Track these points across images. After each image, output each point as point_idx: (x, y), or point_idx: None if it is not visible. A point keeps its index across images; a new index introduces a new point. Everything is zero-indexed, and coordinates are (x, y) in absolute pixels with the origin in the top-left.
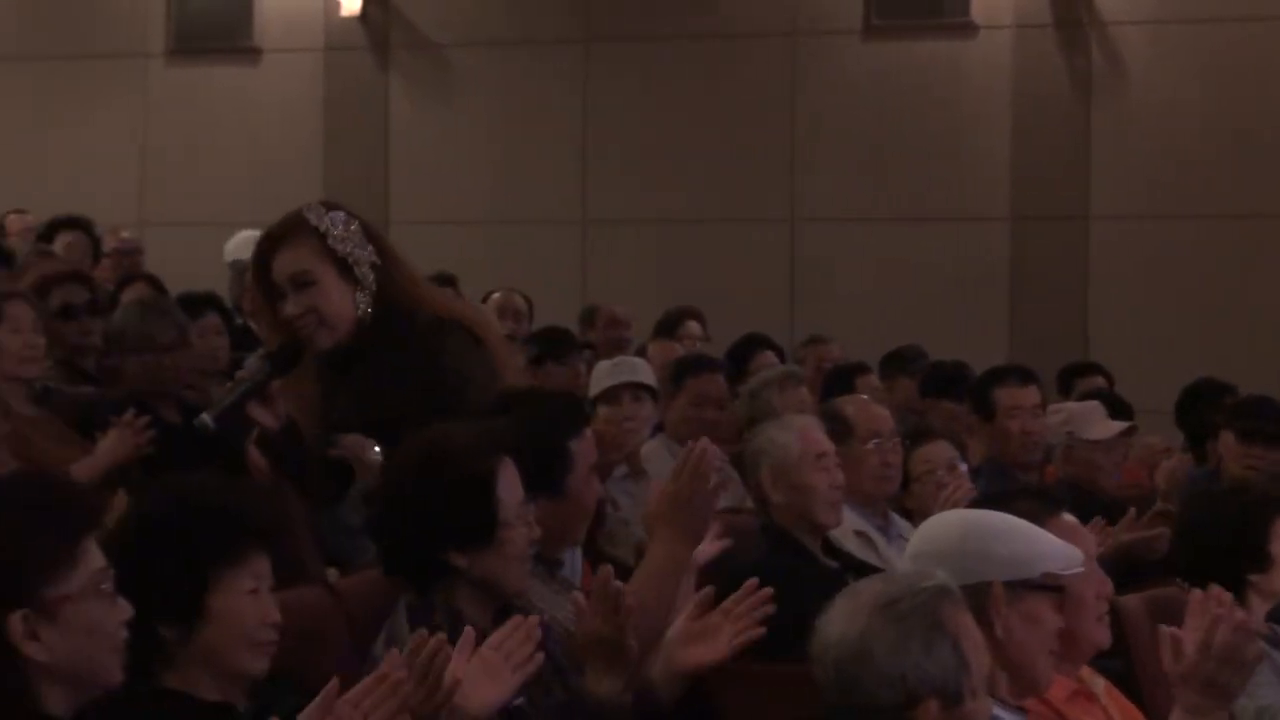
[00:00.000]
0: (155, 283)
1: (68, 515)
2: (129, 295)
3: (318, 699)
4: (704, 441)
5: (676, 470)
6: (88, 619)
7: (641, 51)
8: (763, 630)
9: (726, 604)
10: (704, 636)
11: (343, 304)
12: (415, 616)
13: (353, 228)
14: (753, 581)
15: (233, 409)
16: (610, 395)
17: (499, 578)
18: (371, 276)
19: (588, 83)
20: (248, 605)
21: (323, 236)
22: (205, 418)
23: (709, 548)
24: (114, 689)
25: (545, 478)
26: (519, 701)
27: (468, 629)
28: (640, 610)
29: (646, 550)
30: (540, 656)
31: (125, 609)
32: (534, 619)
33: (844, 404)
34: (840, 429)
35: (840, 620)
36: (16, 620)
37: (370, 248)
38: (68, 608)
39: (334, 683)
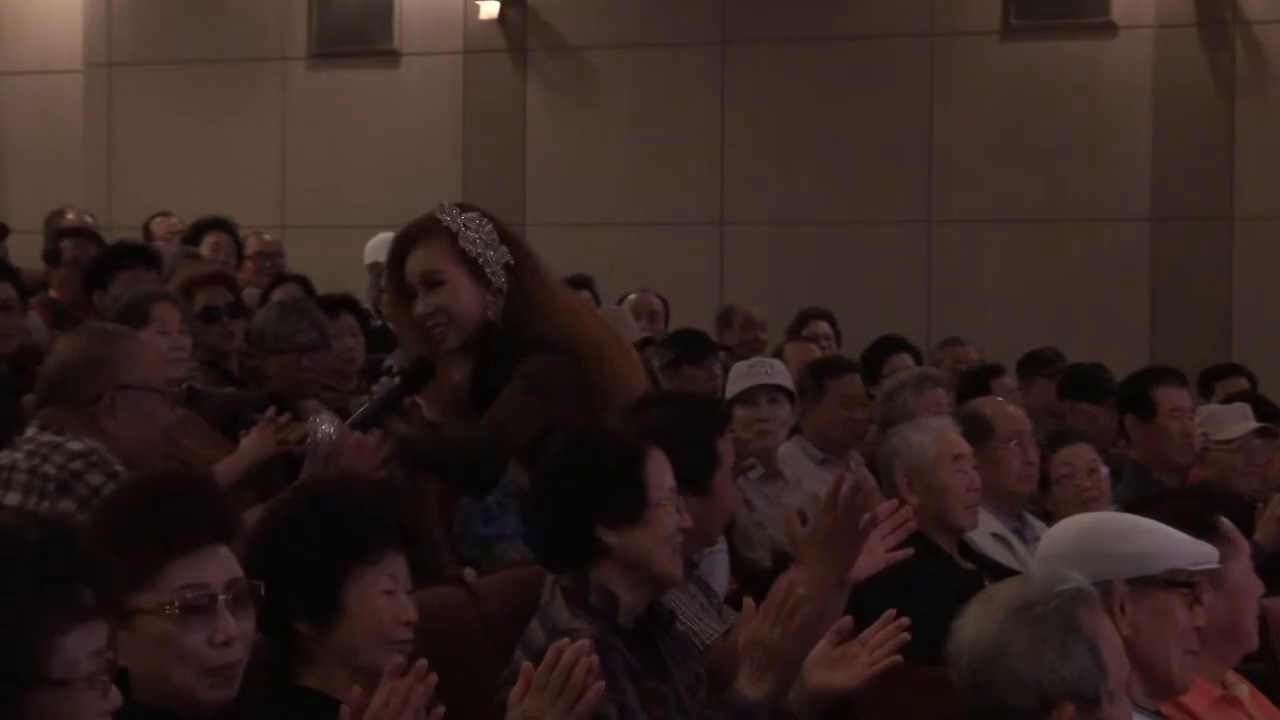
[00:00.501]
0: (305, 283)
1: (159, 531)
2: (278, 296)
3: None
4: (860, 474)
5: (829, 503)
6: (162, 635)
7: (777, 53)
8: (899, 659)
9: (865, 634)
10: (842, 662)
11: (471, 304)
12: (571, 598)
13: (486, 229)
14: (891, 612)
15: (365, 424)
16: (747, 397)
17: (648, 558)
18: (503, 278)
19: (724, 84)
20: (383, 603)
21: (454, 236)
22: (328, 429)
23: (882, 559)
24: (209, 709)
25: (693, 475)
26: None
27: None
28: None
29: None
30: (601, 685)
31: (228, 627)
32: (582, 643)
33: (982, 405)
34: (979, 430)
35: (975, 623)
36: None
37: (503, 249)
38: (142, 620)
39: (357, 689)
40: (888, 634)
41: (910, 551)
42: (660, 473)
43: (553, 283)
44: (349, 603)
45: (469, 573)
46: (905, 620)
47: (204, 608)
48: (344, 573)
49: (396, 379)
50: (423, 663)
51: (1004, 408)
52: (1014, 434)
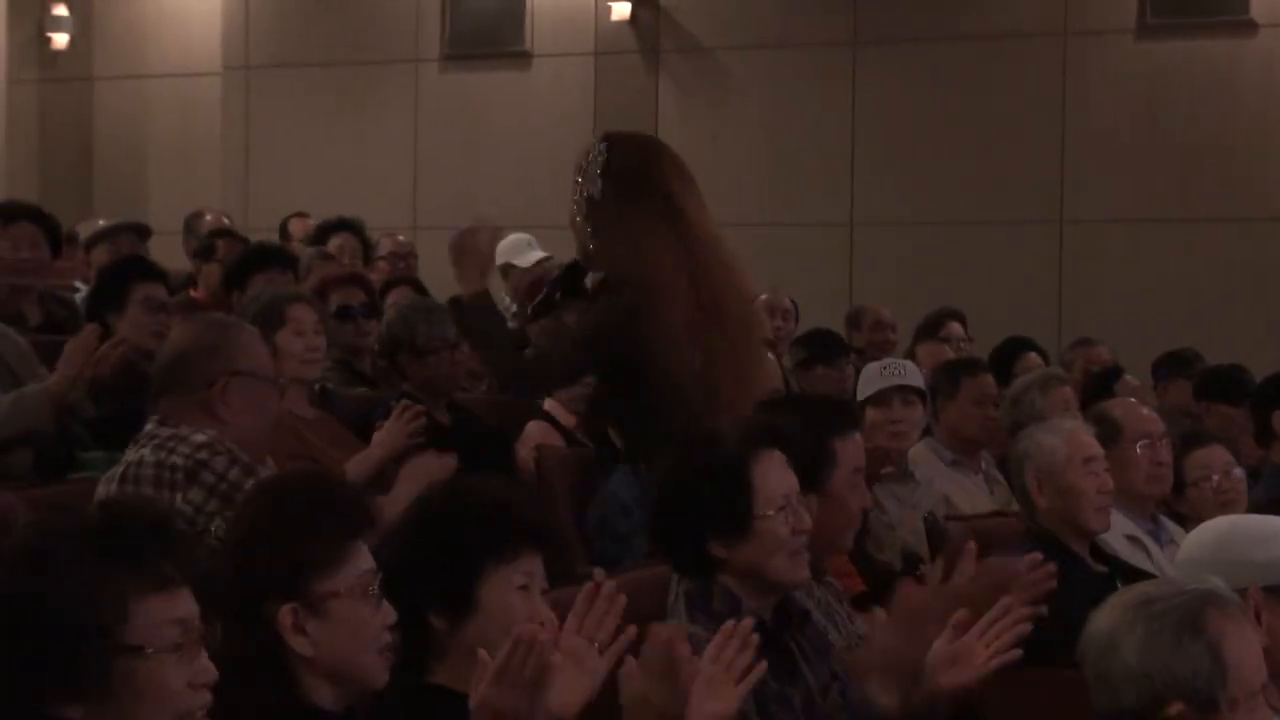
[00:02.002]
0: (418, 286)
1: (343, 515)
2: (393, 298)
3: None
4: (1036, 559)
5: (986, 567)
6: (353, 618)
7: (909, 53)
8: (1018, 653)
9: (981, 624)
10: (961, 658)
11: (580, 235)
12: (694, 604)
13: (595, 158)
14: (1005, 601)
15: (538, 313)
16: (880, 398)
17: (761, 569)
18: (583, 210)
19: (855, 85)
20: (517, 600)
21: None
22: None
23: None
24: (379, 689)
25: (807, 474)
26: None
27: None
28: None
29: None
30: (763, 665)
31: (389, 613)
32: (747, 623)
33: (1113, 406)
34: (1109, 431)
35: (1101, 619)
36: (286, 613)
37: (598, 181)
38: (335, 605)
39: (483, 654)
40: (1004, 625)
41: (1043, 609)
42: (771, 479)
43: (639, 222)
44: (484, 598)
45: (598, 573)
46: (1025, 611)
47: (375, 592)
48: (480, 570)
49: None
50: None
51: (1136, 409)
52: (1143, 435)
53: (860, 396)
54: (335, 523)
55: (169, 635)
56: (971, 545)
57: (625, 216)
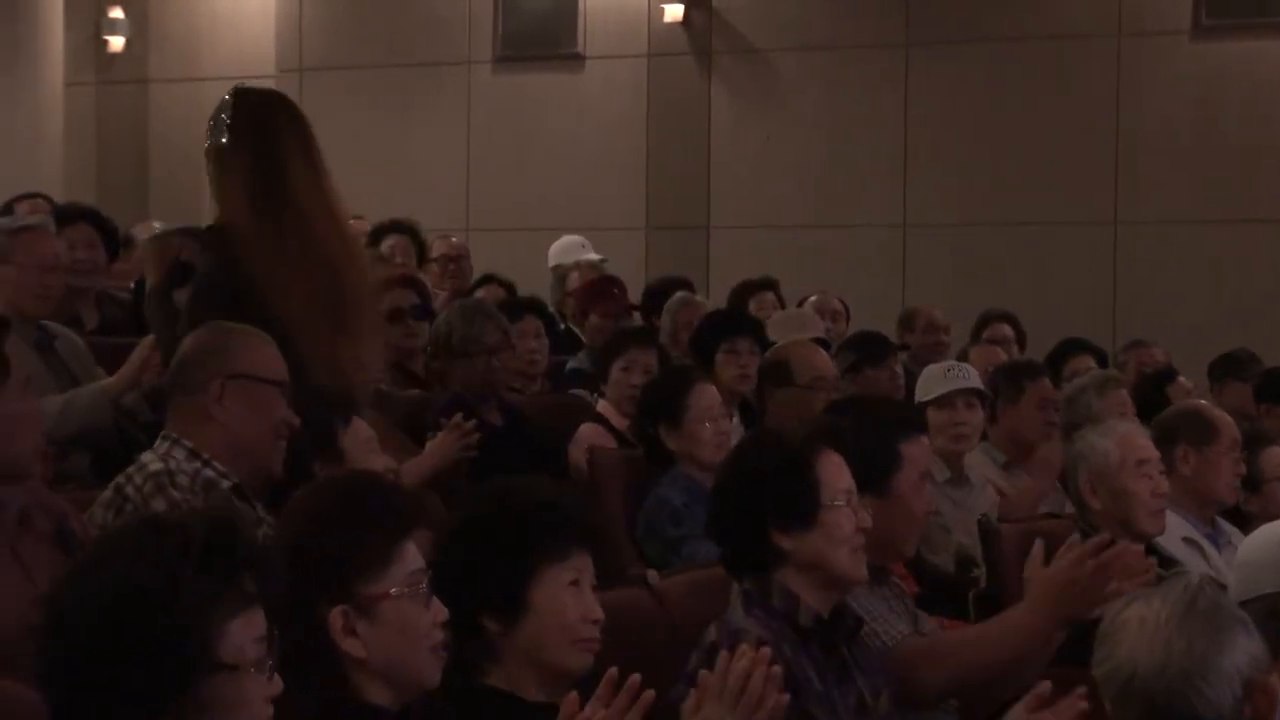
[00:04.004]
0: (508, 286)
1: (390, 516)
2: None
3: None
4: (1125, 546)
5: (1079, 557)
6: (403, 618)
7: (962, 54)
8: None
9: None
10: None
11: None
12: (751, 602)
13: (221, 111)
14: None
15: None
16: (944, 400)
17: (826, 560)
18: (211, 158)
19: (908, 86)
20: (569, 599)
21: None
22: None
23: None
24: (433, 688)
25: (871, 475)
26: None
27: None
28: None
29: (1014, 607)
30: (787, 699)
31: (440, 610)
32: (765, 652)
33: (1207, 407)
34: (1201, 432)
35: (1141, 650)
36: (337, 615)
37: (224, 135)
38: (385, 606)
39: (573, 696)
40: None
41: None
42: (834, 474)
43: (247, 173)
44: (536, 599)
45: (652, 574)
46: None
47: (424, 591)
48: (531, 570)
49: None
50: (636, 677)
51: (1226, 414)
52: (1234, 441)
53: (922, 398)
54: (383, 523)
55: (254, 652)
56: (1075, 536)
57: (238, 168)
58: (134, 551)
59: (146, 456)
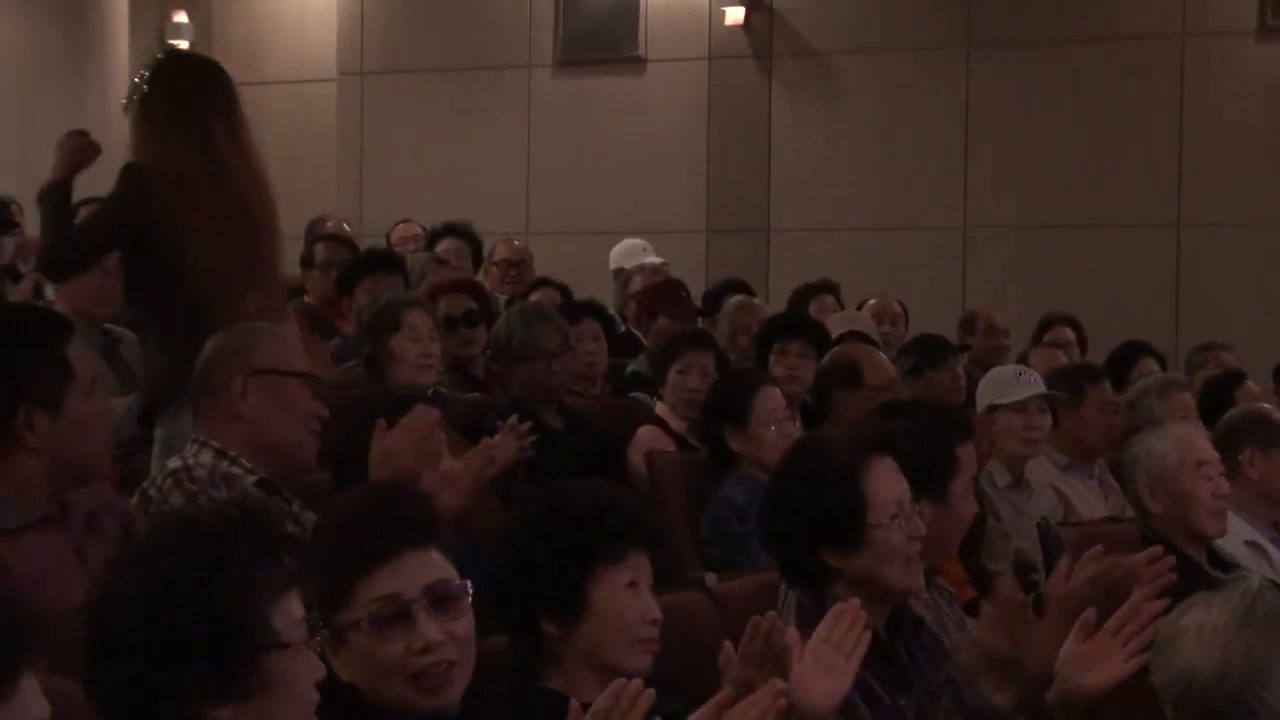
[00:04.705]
0: (563, 289)
1: (392, 526)
2: (536, 299)
3: (709, 705)
4: (1157, 551)
5: (1105, 567)
6: (369, 649)
7: (1023, 55)
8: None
9: (1112, 623)
10: (1097, 659)
11: (130, 131)
12: (804, 614)
13: (151, 66)
14: (1135, 599)
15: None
16: (1020, 405)
17: (876, 577)
18: (135, 109)
19: (969, 87)
20: (628, 600)
21: None
22: None
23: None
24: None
25: (930, 481)
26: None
27: (791, 630)
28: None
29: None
30: (869, 635)
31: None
32: (854, 603)
33: (1274, 410)
34: (1270, 435)
35: (1200, 656)
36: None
37: (150, 88)
38: (352, 636)
39: (728, 691)
40: (1137, 625)
41: (1165, 602)
42: (883, 486)
43: (173, 126)
44: (595, 600)
45: (711, 577)
46: (1156, 606)
47: (398, 617)
48: (589, 571)
49: None
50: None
51: None
52: None
53: (995, 400)
54: (339, 559)
55: (300, 632)
56: (1098, 548)
57: (163, 120)
58: (176, 543)
59: (170, 460)
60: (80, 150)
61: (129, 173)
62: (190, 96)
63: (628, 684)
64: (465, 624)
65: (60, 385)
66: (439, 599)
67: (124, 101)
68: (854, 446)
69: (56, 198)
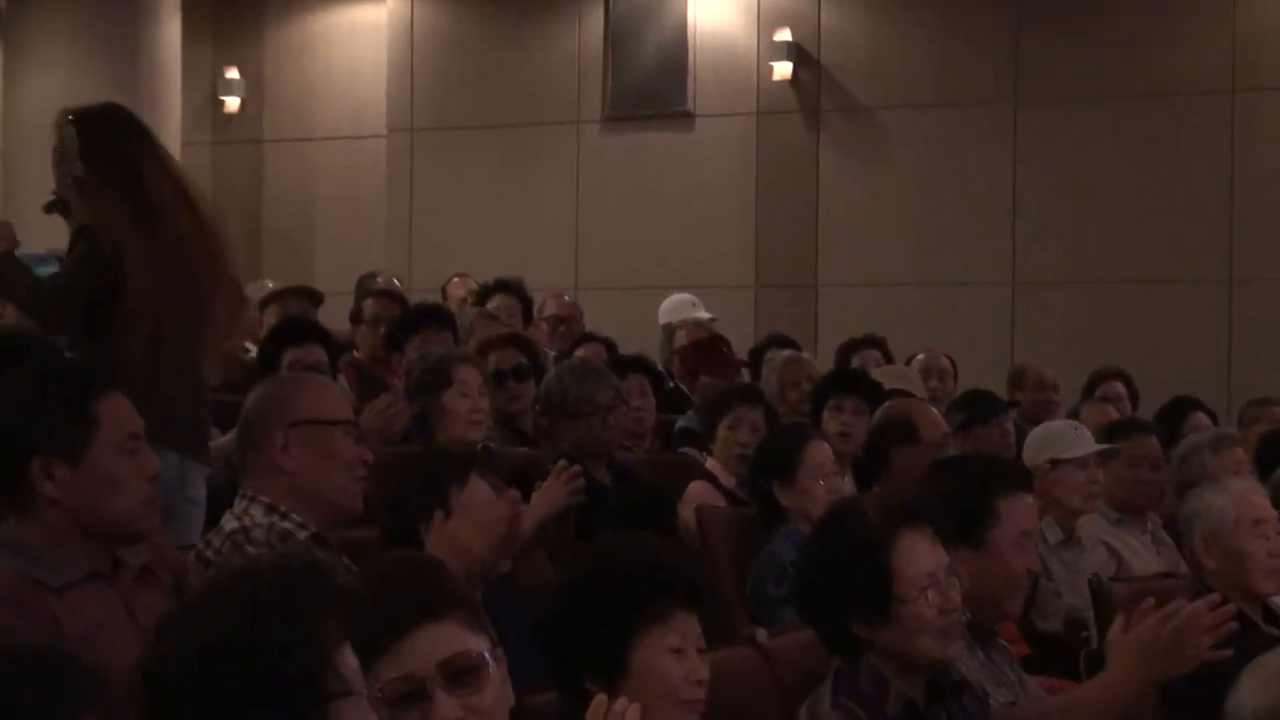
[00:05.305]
0: (609, 344)
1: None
2: (581, 353)
3: None
4: (1215, 599)
5: (1165, 615)
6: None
7: (1071, 110)
8: (1229, 653)
9: (1187, 614)
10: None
11: (75, 208)
12: (841, 682)
13: (68, 141)
14: (1212, 597)
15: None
16: (1083, 462)
17: (906, 650)
18: (74, 188)
19: (1016, 142)
20: (671, 663)
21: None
22: None
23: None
24: None
25: (965, 529)
26: None
27: None
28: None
29: (1105, 666)
30: None
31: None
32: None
33: None
34: None
35: (1254, 695)
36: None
37: (80, 164)
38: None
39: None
40: (1214, 620)
41: (1229, 653)
42: (913, 560)
43: (107, 188)
44: (637, 662)
45: (761, 633)
46: (1229, 610)
47: (414, 695)
48: (631, 634)
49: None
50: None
51: None
52: None
53: (1056, 455)
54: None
55: (361, 681)
56: (1150, 601)
57: (95, 188)
58: (238, 594)
59: (225, 518)
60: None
61: (83, 233)
62: (108, 145)
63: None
64: (489, 694)
65: (82, 436)
66: (456, 673)
67: (58, 173)
68: (883, 518)
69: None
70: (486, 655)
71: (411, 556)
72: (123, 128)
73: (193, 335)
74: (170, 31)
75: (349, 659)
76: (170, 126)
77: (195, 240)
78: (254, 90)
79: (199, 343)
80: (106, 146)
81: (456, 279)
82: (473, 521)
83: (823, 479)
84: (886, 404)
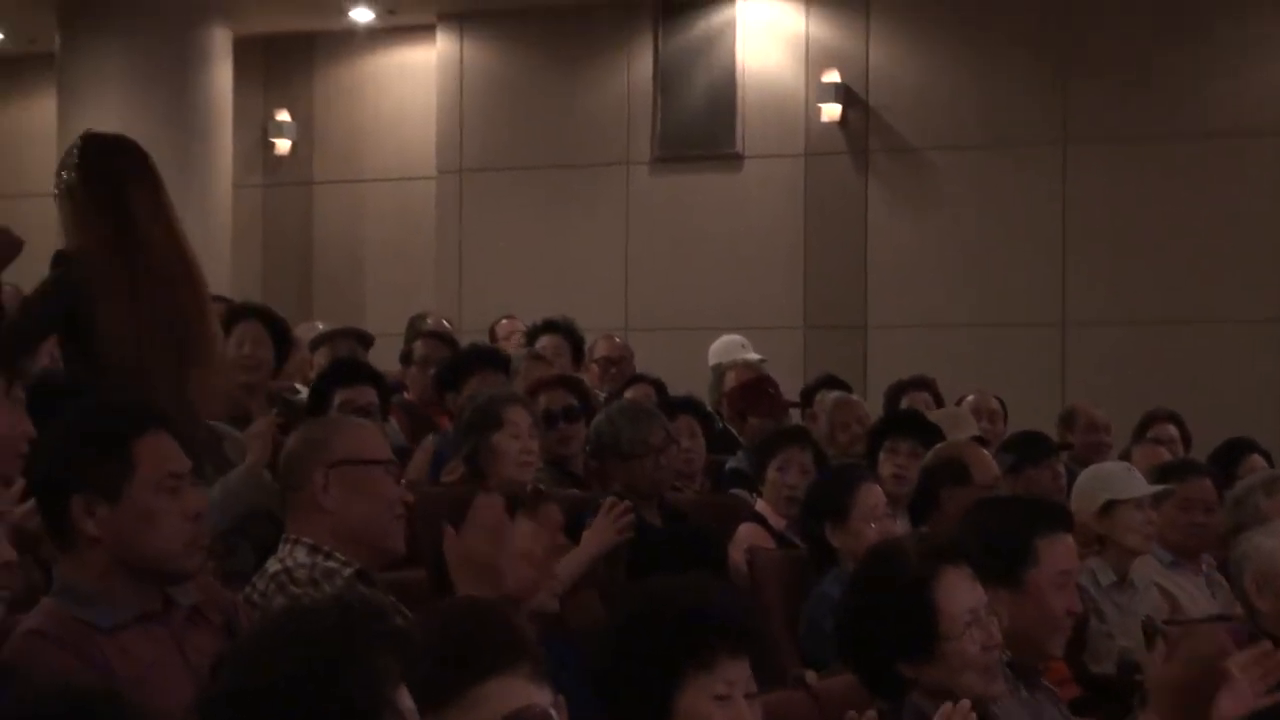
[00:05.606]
0: (658, 385)
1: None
2: (631, 395)
3: None
4: (1265, 646)
5: (1189, 659)
6: None
7: (1120, 151)
8: None
9: (1243, 659)
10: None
11: (61, 216)
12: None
13: (72, 152)
14: (1265, 645)
15: None
16: (1140, 503)
17: (951, 687)
18: (63, 196)
19: (1066, 183)
20: (715, 711)
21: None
22: None
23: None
24: None
25: (1002, 568)
26: None
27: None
28: None
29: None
30: None
31: None
32: (965, 703)
33: None
34: None
35: None
36: None
37: (74, 174)
38: None
39: None
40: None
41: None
42: (955, 598)
43: (92, 207)
44: (683, 708)
45: (810, 675)
46: None
47: None
48: (676, 682)
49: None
50: None
51: None
52: None
53: (1115, 496)
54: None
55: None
56: (1179, 628)
57: (84, 202)
58: (296, 632)
59: (269, 561)
60: (4, 248)
61: (60, 259)
62: (107, 165)
63: None
64: None
65: (120, 474)
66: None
67: (53, 192)
68: (924, 557)
69: None
70: (552, 712)
71: (481, 604)
72: (130, 161)
73: (174, 370)
74: (222, 74)
75: (405, 700)
76: (221, 169)
77: (184, 290)
78: (304, 132)
79: (182, 382)
80: (105, 165)
81: (505, 320)
82: (516, 565)
83: (875, 521)
84: (939, 445)
